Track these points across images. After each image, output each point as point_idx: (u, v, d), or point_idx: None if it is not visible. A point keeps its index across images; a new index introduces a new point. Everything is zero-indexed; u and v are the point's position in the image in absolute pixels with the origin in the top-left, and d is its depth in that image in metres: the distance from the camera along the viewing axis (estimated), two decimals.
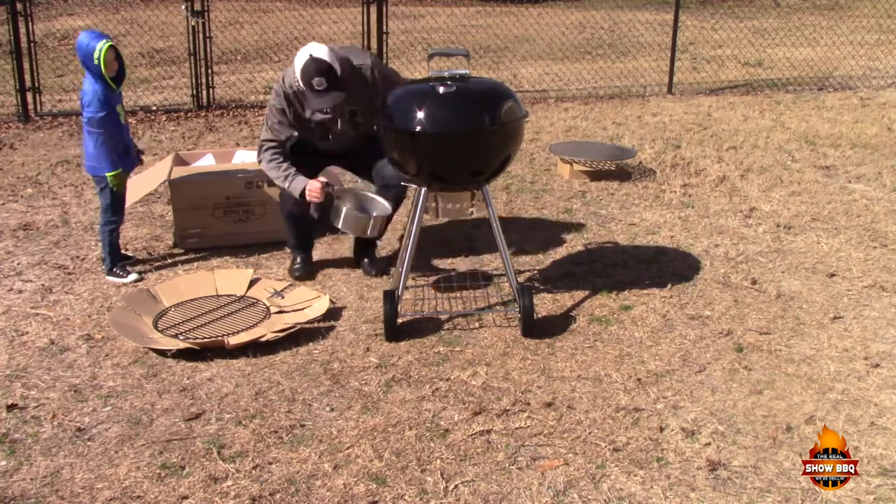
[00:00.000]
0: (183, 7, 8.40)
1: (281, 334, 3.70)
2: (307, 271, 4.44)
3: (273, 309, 4.01)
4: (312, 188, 4.07)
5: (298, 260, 4.47)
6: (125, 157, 4.35)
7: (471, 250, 4.76)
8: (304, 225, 4.43)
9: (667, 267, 4.57)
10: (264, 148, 4.24)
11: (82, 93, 4.19)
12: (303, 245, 4.50)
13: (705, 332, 3.84)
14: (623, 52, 11.62)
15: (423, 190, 3.76)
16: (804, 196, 5.74)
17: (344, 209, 4.01)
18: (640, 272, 4.49)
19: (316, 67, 3.86)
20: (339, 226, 4.03)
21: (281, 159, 4.21)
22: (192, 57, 8.34)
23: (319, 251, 4.75)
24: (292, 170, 4.17)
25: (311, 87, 3.89)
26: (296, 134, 4.24)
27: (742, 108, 8.53)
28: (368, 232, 4.10)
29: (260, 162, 4.29)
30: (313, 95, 3.93)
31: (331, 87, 3.90)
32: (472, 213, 3.91)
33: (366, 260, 4.54)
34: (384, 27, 8.54)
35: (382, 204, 4.17)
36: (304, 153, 4.30)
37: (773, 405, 3.26)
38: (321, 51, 3.90)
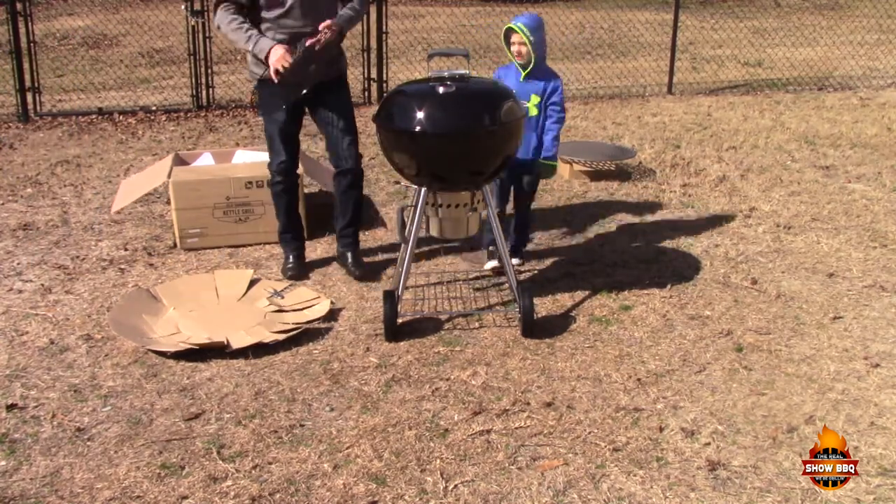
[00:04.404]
0: (183, 7, 8.39)
1: (282, 336, 3.70)
2: (300, 270, 4.43)
3: (273, 309, 4.00)
4: (279, 52, 3.91)
5: (291, 259, 4.47)
6: None
7: (471, 250, 4.75)
8: (293, 199, 4.43)
9: (667, 267, 4.57)
10: (223, 6, 4.03)
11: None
12: (295, 235, 4.48)
13: (705, 332, 3.84)
14: (623, 52, 11.62)
15: (423, 190, 3.76)
16: (804, 196, 5.74)
17: (438, 216, 3.79)
18: (640, 272, 4.49)
19: None
20: (436, 233, 3.87)
21: (241, 19, 4.02)
22: (192, 57, 8.33)
23: (319, 251, 4.75)
24: (255, 30, 4.00)
25: None
26: None
27: (742, 108, 8.53)
28: (468, 232, 3.90)
29: (216, 20, 4.07)
30: None
31: None
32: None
33: (349, 257, 4.44)
34: (384, 27, 8.53)
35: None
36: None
37: (773, 405, 3.26)
38: None
